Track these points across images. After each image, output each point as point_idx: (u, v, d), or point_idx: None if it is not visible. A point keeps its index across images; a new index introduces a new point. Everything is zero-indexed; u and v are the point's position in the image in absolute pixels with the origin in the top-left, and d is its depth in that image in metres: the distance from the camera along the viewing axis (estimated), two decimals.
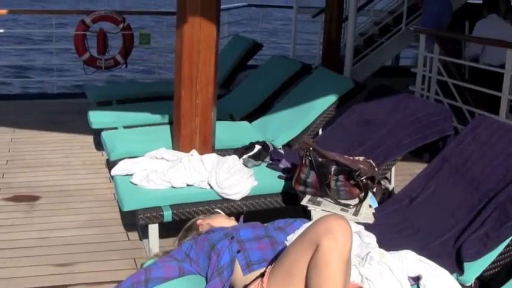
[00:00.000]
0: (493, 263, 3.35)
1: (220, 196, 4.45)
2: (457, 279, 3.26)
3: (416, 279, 3.20)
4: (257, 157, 5.05)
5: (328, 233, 2.52)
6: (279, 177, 4.78)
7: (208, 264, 3.14)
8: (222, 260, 3.07)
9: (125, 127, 6.25)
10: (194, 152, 4.88)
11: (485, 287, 3.34)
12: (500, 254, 3.35)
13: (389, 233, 3.78)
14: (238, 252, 3.08)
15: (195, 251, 3.25)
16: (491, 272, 3.35)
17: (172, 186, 4.48)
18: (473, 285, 3.34)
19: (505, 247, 3.35)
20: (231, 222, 3.58)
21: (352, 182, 4.09)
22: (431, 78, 7.71)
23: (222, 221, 3.56)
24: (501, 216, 3.43)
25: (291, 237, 3.37)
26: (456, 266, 3.36)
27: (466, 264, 3.33)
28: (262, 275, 2.88)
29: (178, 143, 5.14)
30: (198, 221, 3.60)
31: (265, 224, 3.47)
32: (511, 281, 3.03)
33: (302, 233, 2.76)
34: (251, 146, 5.20)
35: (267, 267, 2.90)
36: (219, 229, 3.30)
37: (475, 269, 3.33)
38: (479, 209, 3.63)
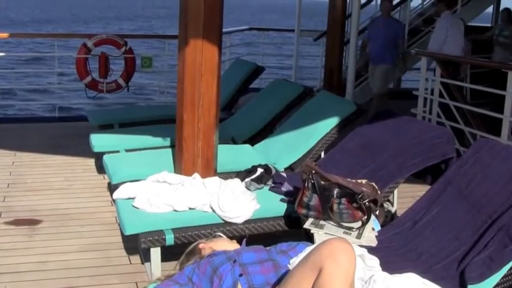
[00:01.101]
0: (496, 285, 3.32)
1: (223, 219, 4.44)
2: None
3: None
4: (259, 180, 5.05)
5: (331, 257, 2.51)
6: (282, 200, 4.77)
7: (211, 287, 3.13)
8: (224, 284, 3.06)
9: (126, 150, 6.24)
10: (196, 175, 4.87)
11: None
12: (504, 276, 3.33)
13: (393, 256, 3.77)
14: (240, 275, 3.07)
15: (197, 275, 3.24)
16: None
17: (175, 210, 4.46)
18: None
19: (509, 269, 3.34)
20: (233, 246, 3.56)
21: (355, 205, 4.08)
22: (433, 100, 7.73)
23: (224, 245, 3.55)
24: (504, 239, 3.41)
25: (294, 261, 3.36)
26: None
27: (470, 287, 3.31)
28: None
29: (181, 167, 5.14)
30: (200, 245, 3.59)
31: (268, 248, 3.45)
32: None
33: (305, 257, 2.75)
34: (253, 169, 5.20)
35: None
36: (222, 253, 3.29)
37: None
38: (483, 232, 3.62)
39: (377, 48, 9.63)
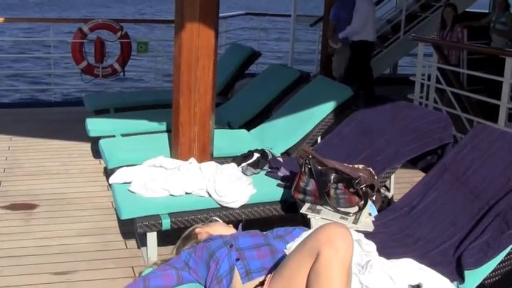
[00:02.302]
0: (493, 271, 3.33)
1: (219, 204, 4.43)
2: None
3: None
4: (256, 165, 5.04)
5: (329, 242, 2.50)
6: (278, 185, 4.77)
7: (207, 272, 3.13)
8: (221, 268, 3.06)
9: (122, 135, 6.24)
10: (193, 160, 4.86)
11: None
12: (500, 262, 3.34)
13: (389, 241, 3.77)
14: (237, 260, 3.06)
15: (194, 259, 3.24)
16: (491, 280, 3.33)
17: (171, 195, 4.46)
18: None
19: (506, 255, 3.34)
20: (229, 230, 3.56)
21: (351, 190, 4.08)
22: (430, 86, 7.72)
23: (221, 229, 3.55)
24: (502, 225, 3.41)
25: (290, 246, 3.36)
26: (457, 274, 3.34)
27: (466, 273, 3.31)
28: (261, 283, 2.86)
29: (177, 151, 5.13)
30: (197, 230, 3.58)
31: (265, 233, 3.45)
32: None
33: (302, 242, 2.75)
34: (250, 154, 5.19)
35: (266, 276, 2.88)
36: (218, 237, 3.29)
37: (475, 277, 3.31)
38: (480, 218, 3.62)
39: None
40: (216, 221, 3.82)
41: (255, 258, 3.08)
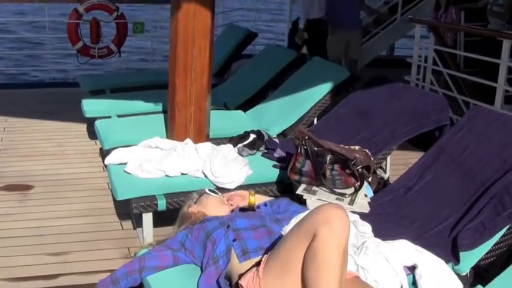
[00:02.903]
0: (488, 252, 3.34)
1: (215, 185, 4.42)
2: (453, 269, 3.26)
3: (412, 269, 3.19)
4: (252, 146, 5.03)
5: (325, 223, 2.50)
6: (274, 166, 4.76)
7: (204, 253, 3.12)
8: (218, 248, 3.05)
9: (118, 116, 6.21)
10: (188, 141, 4.85)
11: (481, 276, 3.33)
12: (495, 244, 3.35)
13: (385, 223, 3.77)
14: (234, 240, 3.06)
15: (190, 240, 3.23)
16: (486, 261, 3.34)
17: (167, 175, 4.45)
18: (468, 275, 3.33)
19: (501, 237, 3.35)
20: (223, 208, 3.53)
21: (347, 171, 4.07)
22: (427, 68, 7.70)
23: (215, 206, 3.52)
24: (497, 206, 3.42)
25: (286, 228, 3.36)
26: (452, 256, 3.35)
27: (461, 254, 3.32)
28: (258, 263, 2.86)
29: (173, 132, 5.11)
30: (190, 209, 3.56)
31: (262, 214, 3.44)
32: (506, 270, 3.01)
33: (299, 222, 2.74)
34: (246, 135, 5.18)
35: (263, 256, 2.88)
36: (215, 218, 3.28)
37: (470, 258, 3.33)
38: (475, 199, 3.62)
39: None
40: (209, 194, 3.76)
41: (252, 239, 3.08)
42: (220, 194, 3.73)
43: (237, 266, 3.00)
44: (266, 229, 3.16)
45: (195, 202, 3.65)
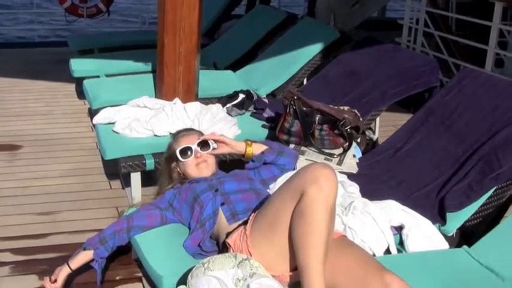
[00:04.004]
0: (475, 213, 3.36)
1: None
2: (439, 229, 3.28)
3: (399, 229, 3.21)
4: (241, 106, 5.01)
5: (313, 182, 2.50)
6: (263, 126, 4.75)
7: (191, 215, 3.13)
8: (205, 211, 3.06)
9: (107, 75, 6.19)
10: (177, 100, 4.82)
11: (467, 237, 3.35)
12: (482, 205, 3.36)
13: (373, 183, 3.78)
14: (222, 204, 3.06)
15: (178, 200, 3.24)
16: (473, 222, 3.36)
17: (155, 135, 4.44)
18: (454, 236, 3.36)
19: (487, 198, 3.36)
20: (200, 169, 3.41)
21: (336, 131, 4.07)
22: (418, 30, 7.67)
23: (194, 169, 3.37)
24: (485, 168, 3.43)
25: (274, 186, 3.36)
26: (439, 216, 3.36)
27: (448, 215, 3.33)
28: (246, 222, 2.87)
29: (161, 92, 5.08)
30: (173, 165, 3.48)
31: (251, 176, 3.42)
32: (492, 231, 3.03)
33: (287, 181, 2.74)
34: (235, 95, 5.16)
35: (250, 215, 2.88)
36: (203, 180, 3.27)
37: (457, 219, 3.34)
38: (463, 161, 3.62)
39: None
40: (186, 134, 3.54)
41: (240, 201, 3.08)
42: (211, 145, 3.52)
43: (226, 226, 3.01)
44: (255, 191, 3.16)
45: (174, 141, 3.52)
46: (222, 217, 3.04)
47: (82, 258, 3.22)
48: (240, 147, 3.47)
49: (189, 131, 3.60)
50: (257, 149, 3.49)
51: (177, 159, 3.41)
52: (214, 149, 3.43)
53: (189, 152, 3.38)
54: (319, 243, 2.45)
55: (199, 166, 3.36)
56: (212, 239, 3.07)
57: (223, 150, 3.45)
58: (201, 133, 3.56)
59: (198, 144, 3.38)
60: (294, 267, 2.59)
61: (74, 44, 7.64)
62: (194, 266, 2.52)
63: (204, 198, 3.11)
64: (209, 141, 3.42)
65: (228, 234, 2.93)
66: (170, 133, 4.46)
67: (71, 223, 4.08)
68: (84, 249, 3.22)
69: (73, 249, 3.32)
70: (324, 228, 2.47)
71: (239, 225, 2.94)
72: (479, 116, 3.82)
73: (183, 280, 2.69)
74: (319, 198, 2.48)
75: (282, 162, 3.47)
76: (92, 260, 3.22)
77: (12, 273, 3.50)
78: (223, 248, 2.95)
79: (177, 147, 3.40)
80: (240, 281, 2.47)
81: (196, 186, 3.22)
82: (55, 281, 3.14)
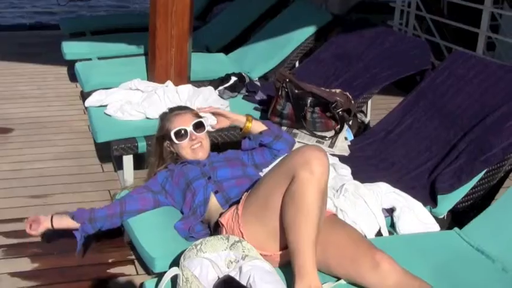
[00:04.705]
0: (466, 196, 3.37)
1: None
2: (430, 212, 3.29)
3: (390, 211, 3.23)
4: (233, 89, 5.01)
5: (305, 165, 2.50)
6: (255, 108, 4.75)
7: (184, 201, 3.12)
8: (197, 198, 3.05)
9: (99, 58, 6.16)
10: (169, 83, 4.81)
11: (458, 219, 3.36)
12: (473, 188, 3.37)
13: (365, 166, 3.79)
14: (216, 192, 3.05)
15: (170, 184, 3.23)
16: (464, 204, 3.37)
17: (147, 117, 4.43)
18: (445, 218, 3.36)
19: (478, 181, 3.37)
20: (196, 152, 3.33)
21: (328, 114, 4.08)
22: (410, 13, 7.67)
23: (189, 152, 3.32)
24: (475, 151, 3.43)
25: (266, 169, 3.36)
26: (430, 199, 3.38)
27: (439, 197, 3.35)
28: (238, 201, 2.87)
29: (153, 74, 5.07)
30: (165, 144, 3.40)
31: (244, 160, 3.41)
32: (482, 213, 3.05)
33: (278, 163, 2.75)
34: (227, 77, 5.16)
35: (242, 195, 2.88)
36: (196, 164, 3.26)
37: (448, 201, 3.35)
38: (454, 143, 3.63)
39: None
40: (178, 113, 3.41)
41: (233, 187, 3.06)
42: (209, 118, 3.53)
43: (219, 209, 3.00)
44: (249, 177, 3.16)
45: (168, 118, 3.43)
46: (215, 203, 3.04)
47: (66, 224, 3.19)
48: (239, 121, 3.44)
49: (183, 109, 3.48)
50: (256, 126, 3.45)
51: (170, 139, 3.34)
52: (212, 125, 3.43)
53: (184, 134, 3.30)
54: (311, 225, 2.46)
55: (195, 149, 3.31)
56: (204, 223, 3.07)
57: (223, 124, 3.45)
58: (194, 111, 3.46)
59: (194, 126, 3.31)
60: (285, 246, 2.60)
61: (65, 26, 7.61)
62: (187, 248, 2.53)
63: (196, 185, 3.11)
64: (205, 121, 3.37)
65: (221, 214, 2.93)
66: None
67: (62, 206, 4.07)
68: (72, 218, 3.19)
69: (65, 232, 3.31)
70: (315, 210, 2.48)
71: (230, 205, 2.94)
72: (470, 98, 3.83)
73: (175, 262, 2.70)
74: (311, 180, 2.49)
75: (277, 147, 3.41)
76: (75, 230, 3.19)
77: (4, 256, 3.51)
78: (215, 227, 2.95)
79: (172, 128, 3.32)
80: (232, 262, 2.48)
81: (189, 171, 3.20)
82: (35, 228, 3.15)
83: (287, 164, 2.62)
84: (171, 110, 3.48)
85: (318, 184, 2.50)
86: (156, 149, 3.44)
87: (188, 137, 3.30)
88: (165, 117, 3.43)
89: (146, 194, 3.24)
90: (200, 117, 3.39)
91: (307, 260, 2.43)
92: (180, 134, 3.30)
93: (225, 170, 3.21)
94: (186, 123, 3.31)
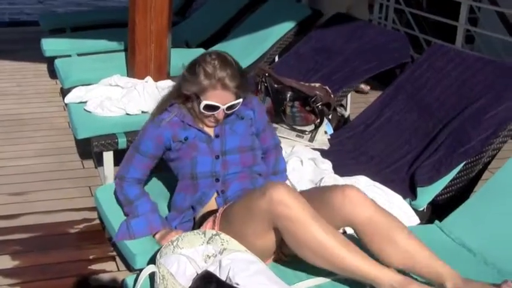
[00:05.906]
0: (445, 188, 3.39)
1: None
2: (410, 204, 3.31)
3: None
4: None
5: (276, 210, 2.43)
6: None
7: (183, 188, 3.00)
8: (197, 195, 2.97)
9: (78, 55, 6.15)
10: (149, 78, 4.81)
11: (438, 211, 3.38)
12: (452, 180, 3.39)
13: (345, 159, 3.81)
14: (222, 192, 2.94)
15: (175, 153, 3.02)
16: (443, 197, 3.39)
17: (127, 113, 4.43)
18: (425, 210, 3.38)
19: (457, 173, 3.39)
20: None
21: (307, 108, 4.09)
22: (389, 6, 7.69)
23: (204, 118, 3.00)
24: (454, 143, 3.45)
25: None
26: (409, 191, 3.40)
27: (419, 190, 3.37)
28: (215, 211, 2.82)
29: (133, 70, 5.06)
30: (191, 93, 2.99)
31: (255, 145, 3.10)
32: (462, 206, 3.07)
33: (248, 203, 2.61)
34: None
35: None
36: (208, 157, 2.99)
37: (427, 194, 3.37)
38: (433, 136, 3.65)
39: None
40: (226, 88, 2.92)
41: (237, 189, 2.94)
42: None
43: (214, 207, 2.95)
44: (253, 176, 3.01)
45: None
46: (212, 202, 2.94)
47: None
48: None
49: (227, 87, 2.91)
50: None
51: (197, 99, 2.94)
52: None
53: (213, 109, 2.93)
54: (331, 246, 2.40)
55: (210, 123, 3.02)
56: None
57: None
58: (237, 93, 2.97)
59: (228, 108, 2.95)
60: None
61: (45, 23, 7.58)
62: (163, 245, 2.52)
63: (202, 183, 2.96)
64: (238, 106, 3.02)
65: (208, 212, 2.89)
66: (142, 111, 4.45)
67: (43, 203, 4.07)
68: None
69: (46, 229, 3.29)
70: (312, 224, 2.41)
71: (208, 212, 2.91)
72: (449, 91, 3.85)
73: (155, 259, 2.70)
74: (293, 214, 2.41)
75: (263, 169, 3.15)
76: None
77: None
78: (199, 222, 2.91)
79: (207, 97, 2.91)
80: (209, 257, 2.45)
81: (197, 161, 2.96)
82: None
83: (259, 214, 2.51)
84: (223, 76, 2.90)
85: (302, 208, 2.43)
86: (177, 91, 3.09)
87: (216, 113, 2.96)
88: (209, 75, 2.91)
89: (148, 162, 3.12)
90: (239, 97, 3.00)
91: (364, 272, 2.39)
92: (211, 108, 2.94)
93: (236, 165, 3.00)
94: (223, 101, 2.93)
